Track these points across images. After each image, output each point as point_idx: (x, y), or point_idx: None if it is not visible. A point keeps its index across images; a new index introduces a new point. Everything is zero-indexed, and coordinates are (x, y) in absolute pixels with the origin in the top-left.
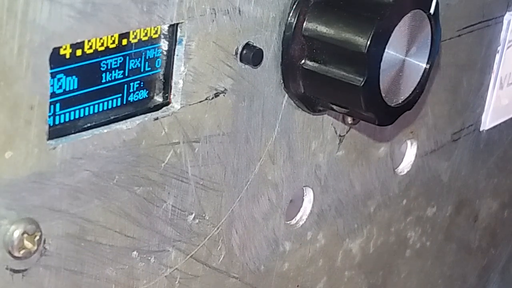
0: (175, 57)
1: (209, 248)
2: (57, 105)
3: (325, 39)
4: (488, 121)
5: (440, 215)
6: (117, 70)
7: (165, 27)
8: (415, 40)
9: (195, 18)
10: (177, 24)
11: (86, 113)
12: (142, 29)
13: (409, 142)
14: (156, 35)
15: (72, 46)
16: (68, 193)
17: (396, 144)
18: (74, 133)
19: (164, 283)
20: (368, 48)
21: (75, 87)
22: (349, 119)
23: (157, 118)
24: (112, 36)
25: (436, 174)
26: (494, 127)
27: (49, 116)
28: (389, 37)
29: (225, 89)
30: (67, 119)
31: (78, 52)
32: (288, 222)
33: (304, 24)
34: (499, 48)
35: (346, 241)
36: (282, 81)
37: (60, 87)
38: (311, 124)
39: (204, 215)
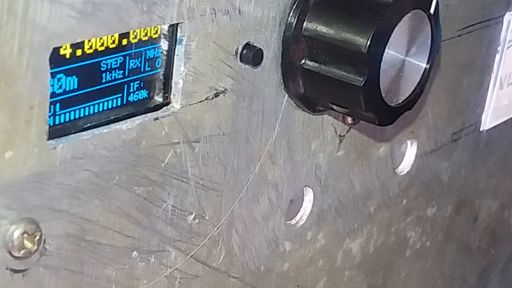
0: (175, 57)
1: (209, 248)
2: (57, 105)
3: (325, 39)
4: (488, 121)
5: (440, 215)
6: (117, 70)
7: (165, 27)
8: (415, 40)
9: (195, 18)
10: (177, 24)
11: (86, 113)
12: (142, 29)
13: (409, 142)
14: (156, 35)
15: (72, 46)
16: (68, 193)
17: (396, 144)
18: (74, 133)
19: (164, 283)
20: (368, 48)
21: (75, 87)
22: (349, 119)
23: (157, 118)
24: (112, 36)
25: (436, 174)
26: (494, 127)
27: (49, 116)
28: (389, 37)
29: (225, 89)
30: (67, 119)
31: (78, 52)
32: (288, 222)
33: (304, 24)
34: (499, 48)
35: (346, 241)
36: (282, 81)
37: (60, 87)
38: (311, 124)
39: (204, 215)
